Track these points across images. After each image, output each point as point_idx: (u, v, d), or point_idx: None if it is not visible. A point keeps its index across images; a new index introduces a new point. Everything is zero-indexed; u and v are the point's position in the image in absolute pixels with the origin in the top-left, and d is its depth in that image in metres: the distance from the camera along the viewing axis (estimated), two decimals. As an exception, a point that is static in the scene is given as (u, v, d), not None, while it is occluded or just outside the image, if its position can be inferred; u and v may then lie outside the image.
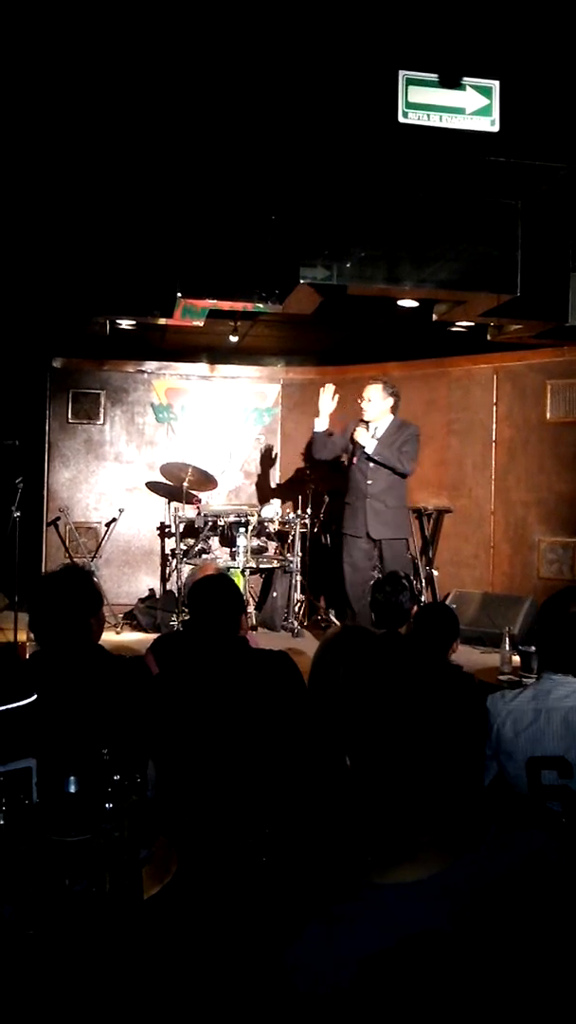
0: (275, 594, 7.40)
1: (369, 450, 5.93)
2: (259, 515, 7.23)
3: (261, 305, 5.20)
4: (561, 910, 1.20)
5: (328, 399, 6.11)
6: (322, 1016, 1.15)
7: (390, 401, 6.07)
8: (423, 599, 7.12)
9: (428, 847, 1.24)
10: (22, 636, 5.93)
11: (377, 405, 6.03)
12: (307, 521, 7.43)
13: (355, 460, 6.05)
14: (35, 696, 2.35)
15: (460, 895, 1.18)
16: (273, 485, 8.49)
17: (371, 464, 5.96)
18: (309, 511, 7.51)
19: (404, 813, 1.24)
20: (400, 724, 1.26)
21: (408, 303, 5.69)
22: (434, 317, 5.95)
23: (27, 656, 5.33)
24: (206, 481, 7.58)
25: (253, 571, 7.26)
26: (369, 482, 5.97)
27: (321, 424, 6.11)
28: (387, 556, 5.97)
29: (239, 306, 5.33)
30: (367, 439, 5.95)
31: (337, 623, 6.92)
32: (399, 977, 1.13)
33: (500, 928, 1.16)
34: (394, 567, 5.80)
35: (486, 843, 1.25)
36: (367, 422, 6.04)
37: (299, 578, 7.33)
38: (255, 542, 7.21)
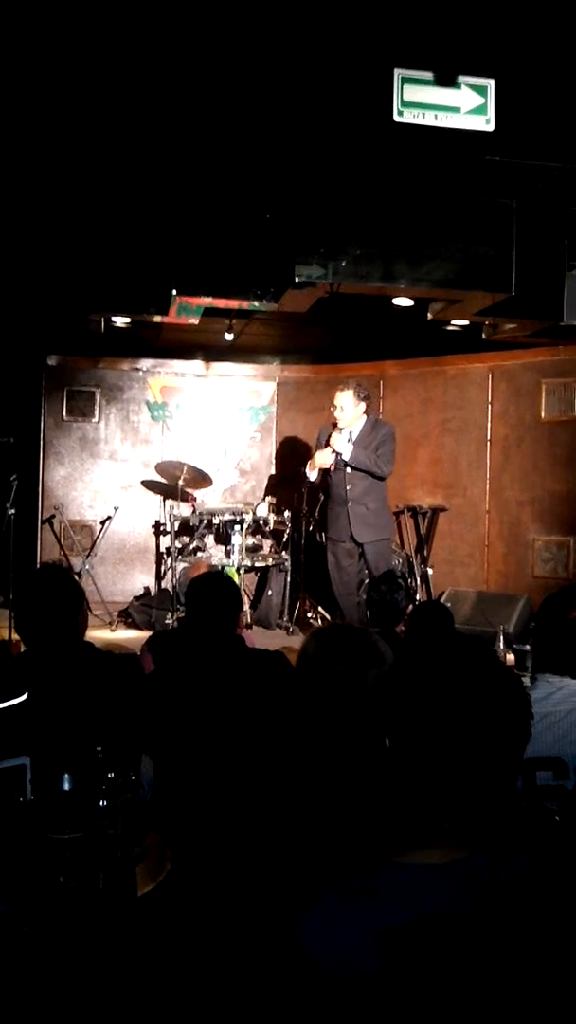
0: (270, 592, 7.41)
1: (346, 456, 5.93)
2: (254, 513, 7.24)
3: (256, 303, 5.20)
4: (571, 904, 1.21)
5: (327, 457, 6.01)
6: (333, 987, 1.15)
7: (363, 405, 6.08)
8: (418, 598, 7.13)
9: (450, 834, 1.25)
10: (16, 635, 5.91)
11: (350, 412, 6.03)
12: (302, 519, 7.43)
13: (332, 466, 6.03)
14: (25, 695, 2.35)
15: (479, 884, 1.19)
16: (268, 483, 8.49)
17: (348, 469, 5.96)
18: (304, 509, 7.51)
19: (431, 798, 1.25)
20: (445, 712, 1.27)
21: (403, 302, 5.69)
22: (429, 316, 5.95)
23: (18, 654, 5.31)
24: (201, 479, 7.58)
25: (248, 569, 7.26)
26: (348, 487, 5.98)
27: (313, 476, 6.13)
28: (370, 558, 5.99)
29: (234, 304, 5.33)
30: (343, 445, 5.94)
31: (330, 619, 6.93)
32: (416, 953, 1.14)
33: (518, 921, 1.17)
34: (379, 567, 5.83)
35: (506, 841, 1.26)
36: (340, 428, 6.03)
37: (294, 576, 7.33)
38: (250, 540, 7.22)
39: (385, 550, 6.16)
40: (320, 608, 7.45)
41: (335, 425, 6.06)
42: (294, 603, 7.36)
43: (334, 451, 5.94)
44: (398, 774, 1.29)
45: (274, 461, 8.57)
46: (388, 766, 1.30)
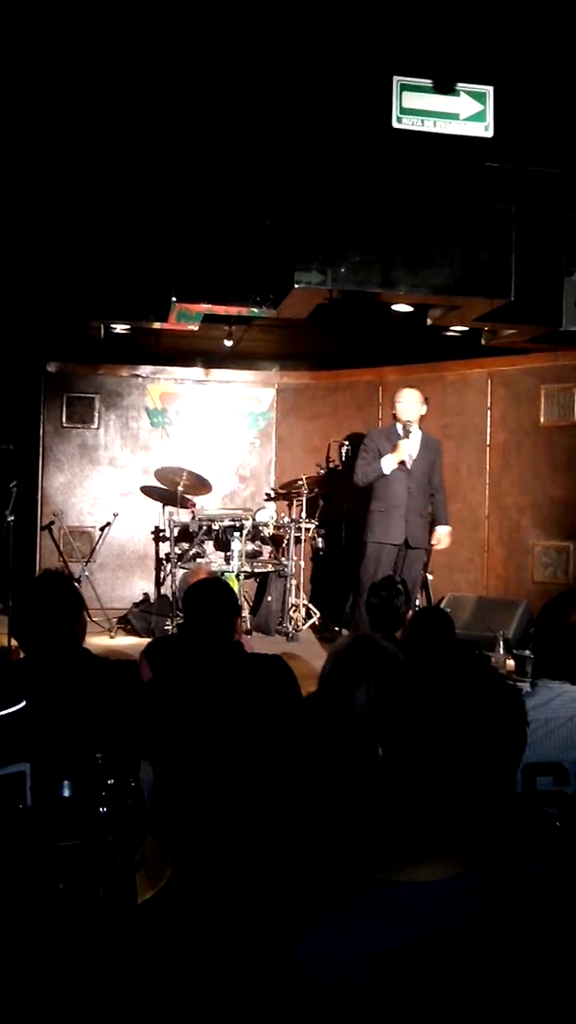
0: (269, 598, 7.40)
1: (409, 463, 5.95)
2: (254, 519, 7.24)
3: (256, 309, 5.21)
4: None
5: (411, 447, 6.02)
6: (330, 1007, 1.14)
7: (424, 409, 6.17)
8: (417, 603, 7.12)
9: (448, 849, 1.23)
10: (15, 642, 5.91)
11: (418, 414, 6.09)
12: (302, 525, 7.43)
13: (400, 465, 5.99)
14: (23, 703, 2.34)
15: (478, 898, 1.18)
16: (267, 489, 8.49)
17: (411, 472, 5.98)
18: (304, 515, 7.51)
19: (429, 812, 1.24)
20: (440, 723, 1.25)
21: (402, 308, 5.70)
22: (428, 322, 5.96)
23: (16, 661, 5.30)
24: (200, 485, 7.58)
25: (248, 575, 7.26)
26: (410, 488, 5.97)
27: (388, 469, 6.00)
28: (409, 561, 5.99)
29: (234, 310, 5.34)
30: (413, 448, 5.97)
31: (337, 628, 6.94)
32: (414, 972, 1.13)
33: (518, 933, 1.15)
34: (412, 574, 5.82)
35: (505, 851, 1.24)
36: (408, 430, 6.01)
37: (294, 582, 7.33)
38: (249, 546, 7.21)
39: (421, 560, 6.18)
40: (319, 613, 7.45)
41: (405, 429, 6.01)
42: (294, 609, 7.36)
43: (403, 459, 5.94)
44: (393, 786, 1.28)
45: (273, 467, 8.56)
46: (382, 778, 1.28)
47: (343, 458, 7.55)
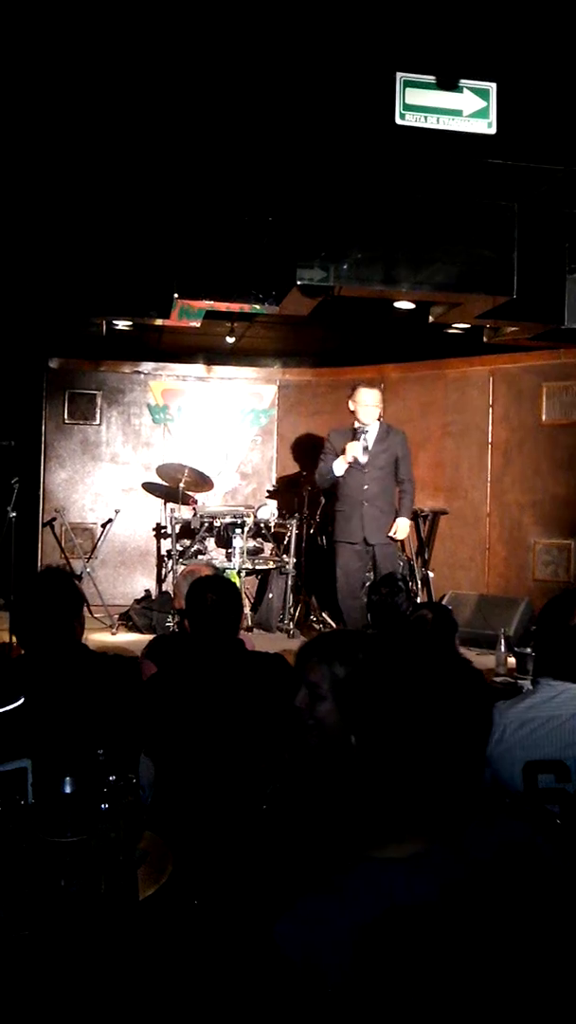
0: (271, 595, 7.40)
1: (363, 460, 5.95)
2: (255, 516, 7.23)
3: (258, 306, 5.20)
4: (548, 896, 1.25)
5: (359, 449, 6.02)
6: (315, 988, 1.16)
7: (380, 408, 6.16)
8: (419, 601, 7.12)
9: (419, 828, 1.28)
10: (16, 638, 5.92)
11: (376, 412, 6.09)
12: (303, 522, 7.42)
13: (351, 463, 6.03)
14: (22, 700, 2.34)
15: (448, 871, 1.23)
16: (269, 486, 8.49)
17: (365, 470, 5.97)
18: (305, 512, 7.51)
19: (400, 793, 1.28)
20: (408, 709, 1.29)
21: (404, 305, 5.69)
22: (430, 319, 5.96)
23: (16, 657, 5.31)
24: (202, 482, 7.58)
25: (249, 572, 7.26)
26: (365, 487, 5.98)
27: (340, 471, 6.03)
28: (379, 560, 6.00)
29: (236, 307, 5.33)
30: (358, 450, 5.97)
31: (334, 624, 6.94)
32: (386, 944, 1.17)
33: (486, 903, 1.20)
34: (386, 569, 5.83)
35: (472, 828, 1.30)
36: (358, 430, 6.03)
37: (295, 579, 7.33)
38: (251, 543, 7.21)
39: (393, 553, 6.18)
40: (320, 610, 7.45)
41: (354, 430, 6.04)
42: (295, 606, 7.36)
43: (348, 462, 5.94)
44: (364, 770, 1.32)
45: (275, 464, 8.57)
46: (355, 763, 1.32)
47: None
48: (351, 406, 6.16)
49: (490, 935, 1.18)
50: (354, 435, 6.04)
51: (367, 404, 6.07)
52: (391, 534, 6.15)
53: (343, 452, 6.02)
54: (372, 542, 6.00)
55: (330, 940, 1.19)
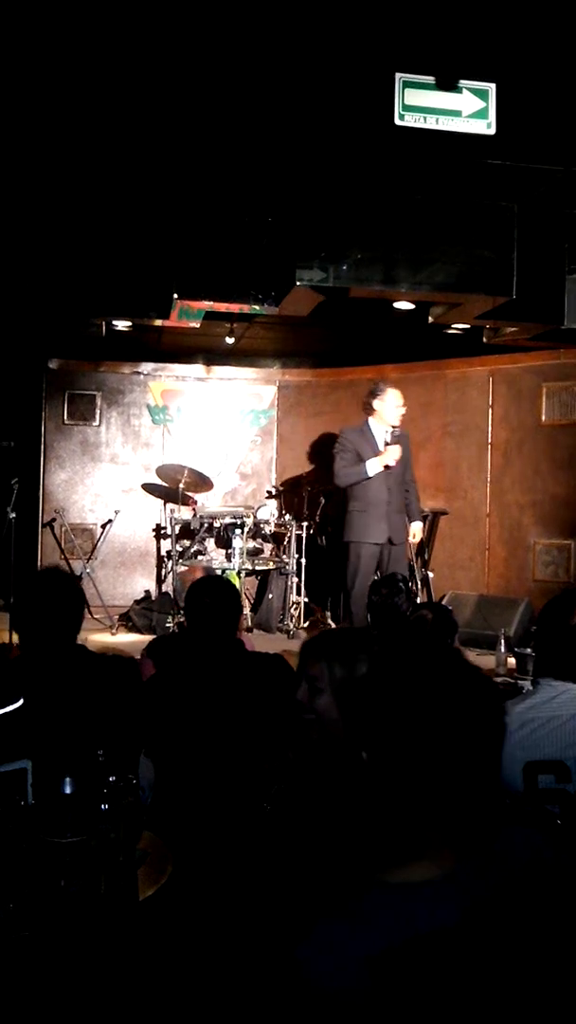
0: (271, 596, 7.40)
1: (391, 462, 5.93)
2: (255, 517, 7.23)
3: (257, 307, 5.20)
4: (559, 905, 1.21)
5: (398, 452, 5.98)
6: (332, 1012, 1.15)
7: None
8: (419, 601, 7.12)
9: (438, 847, 1.23)
10: (16, 638, 5.92)
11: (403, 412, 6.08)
12: (303, 523, 7.42)
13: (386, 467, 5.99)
14: (20, 701, 2.34)
15: (467, 893, 1.18)
16: (269, 487, 8.49)
17: (391, 472, 5.97)
18: (305, 513, 7.51)
19: (416, 811, 1.23)
20: (422, 723, 1.25)
21: (404, 305, 5.69)
22: (430, 319, 5.96)
23: (14, 658, 5.31)
24: (202, 483, 7.58)
25: (249, 573, 7.26)
26: (388, 488, 5.97)
27: (374, 471, 5.95)
28: (392, 560, 6.00)
29: (235, 308, 5.33)
30: (397, 453, 5.95)
31: (333, 625, 6.94)
32: (406, 972, 1.13)
33: (506, 925, 1.16)
34: (396, 570, 5.82)
35: (496, 844, 1.25)
36: (392, 432, 6.00)
37: (295, 580, 7.32)
38: (251, 544, 7.21)
39: (402, 555, 6.19)
40: (321, 611, 7.45)
41: (392, 432, 6.00)
42: (295, 607, 7.36)
43: (389, 465, 5.92)
44: (377, 787, 1.27)
45: (275, 464, 8.56)
46: (367, 779, 1.28)
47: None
48: (376, 405, 6.03)
49: (508, 958, 1.14)
50: (394, 440, 5.96)
51: (398, 405, 6.02)
52: (411, 539, 6.20)
53: (375, 453, 5.94)
54: (396, 542, 5.98)
55: (350, 967, 1.15)
